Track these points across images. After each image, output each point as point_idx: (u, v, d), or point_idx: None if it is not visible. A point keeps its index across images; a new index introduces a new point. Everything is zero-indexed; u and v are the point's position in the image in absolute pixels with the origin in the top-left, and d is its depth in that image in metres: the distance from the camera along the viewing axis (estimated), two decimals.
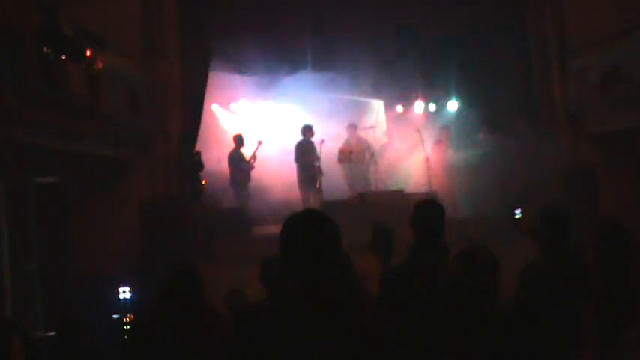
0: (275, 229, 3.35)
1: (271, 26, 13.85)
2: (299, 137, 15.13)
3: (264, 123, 16.73)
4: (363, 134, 15.88)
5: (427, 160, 14.30)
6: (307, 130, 14.95)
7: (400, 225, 6.66)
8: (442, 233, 4.99)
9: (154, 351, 4.81)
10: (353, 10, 13.71)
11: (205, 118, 14.34)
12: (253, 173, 15.05)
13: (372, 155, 15.08)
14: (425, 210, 5.08)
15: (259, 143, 15.27)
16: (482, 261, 3.88)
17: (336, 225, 3.12)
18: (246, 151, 15.11)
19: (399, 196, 13.37)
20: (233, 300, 6.33)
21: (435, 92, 16.44)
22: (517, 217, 8.24)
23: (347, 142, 15.30)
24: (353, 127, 15.54)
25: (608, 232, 5.63)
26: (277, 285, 5.09)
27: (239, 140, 15.07)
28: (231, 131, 15.82)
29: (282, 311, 3.07)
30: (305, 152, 14.84)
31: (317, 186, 14.53)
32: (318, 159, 14.77)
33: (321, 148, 14.81)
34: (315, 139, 14.97)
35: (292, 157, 15.02)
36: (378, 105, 17.70)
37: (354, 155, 14.84)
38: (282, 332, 2.96)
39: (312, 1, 13.53)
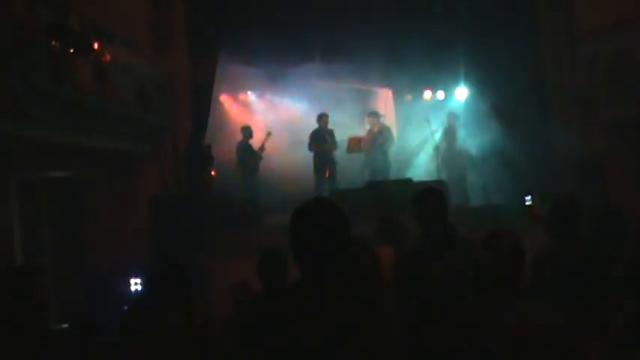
0: (285, 220, 3.34)
1: (279, 17, 13.82)
2: (306, 127, 15.17)
3: (273, 114, 16.74)
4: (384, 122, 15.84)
5: (437, 148, 14.27)
6: (320, 118, 14.95)
7: (409, 213, 6.65)
8: (445, 219, 5.00)
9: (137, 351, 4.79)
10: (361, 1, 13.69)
11: (214, 110, 14.34)
12: (262, 164, 15.03)
13: (384, 143, 15.00)
14: (424, 198, 5.10)
15: (268, 134, 15.20)
16: (508, 244, 3.89)
17: (345, 214, 3.13)
18: (255, 142, 15.08)
19: (408, 184, 13.34)
20: (239, 293, 6.34)
21: (444, 80, 16.39)
22: (527, 203, 8.27)
23: (370, 131, 15.22)
24: (375, 116, 15.45)
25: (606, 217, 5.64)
26: (275, 279, 5.11)
27: (247, 131, 15.03)
28: (239, 122, 15.82)
29: (288, 302, 3.09)
30: (318, 140, 14.87)
31: (327, 175, 14.52)
32: (331, 147, 14.79)
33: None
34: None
35: (302, 147, 15.08)
36: (386, 94, 17.67)
37: (363, 144, 14.80)
38: (287, 324, 2.97)
39: None
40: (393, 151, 15.42)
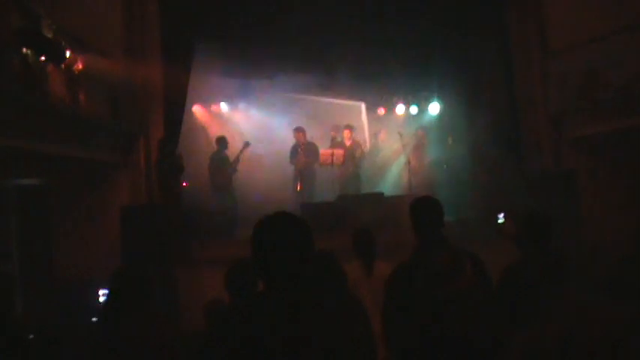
0: None
1: (253, 28, 13.80)
2: (279, 139, 15.24)
3: (246, 125, 16.70)
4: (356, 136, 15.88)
5: (408, 162, 14.30)
6: (295, 132, 15.06)
7: (380, 227, 6.63)
8: (440, 228, 4.99)
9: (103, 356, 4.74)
10: (334, 13, 13.68)
11: (186, 120, 14.27)
12: (236, 175, 14.91)
13: (361, 157, 15.09)
14: (420, 207, 5.08)
15: (246, 145, 15.01)
16: (457, 264, 3.86)
17: (307, 227, 3.18)
18: (229, 154, 14.97)
19: (379, 198, 13.36)
20: (212, 310, 6.28)
21: (417, 94, 16.47)
22: (500, 221, 8.31)
23: (342, 145, 15.24)
24: (349, 129, 15.50)
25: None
26: (242, 289, 5.08)
27: (222, 142, 14.90)
28: (212, 133, 15.75)
29: (251, 313, 3.09)
30: (292, 155, 14.95)
31: (297, 188, 14.52)
32: (305, 161, 14.82)
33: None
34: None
35: (275, 158, 15.16)
36: (359, 107, 17.72)
37: (335, 158, 14.80)
38: (251, 334, 2.97)
39: (294, 5, 13.49)
40: (364, 164, 15.47)
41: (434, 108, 16.35)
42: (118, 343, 4.61)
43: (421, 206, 5.09)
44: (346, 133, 15.36)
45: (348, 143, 15.21)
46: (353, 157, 15.01)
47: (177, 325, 5.15)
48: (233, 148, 14.99)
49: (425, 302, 4.42)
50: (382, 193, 13.88)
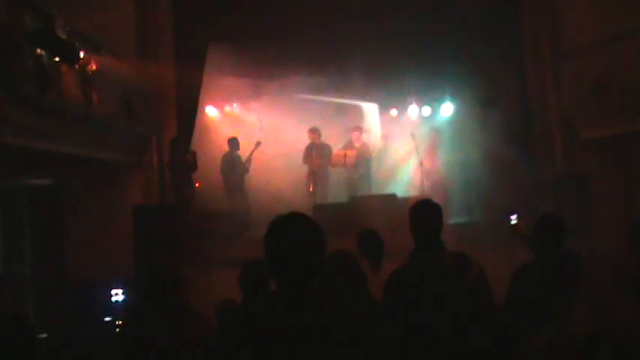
0: None
1: (265, 29, 13.81)
2: (291, 140, 15.22)
3: (257, 126, 16.69)
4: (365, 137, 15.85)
5: (421, 164, 14.26)
6: (310, 133, 15.07)
7: (392, 229, 6.61)
8: (438, 233, 4.98)
9: (134, 354, 4.74)
10: (347, 14, 13.68)
11: (199, 120, 14.26)
12: (249, 176, 14.90)
13: (367, 158, 15.05)
14: (419, 210, 5.08)
15: (257, 144, 14.93)
16: (464, 264, 3.85)
17: (319, 227, 3.18)
18: (242, 154, 14.95)
19: (392, 200, 13.30)
20: (223, 310, 6.28)
21: (430, 96, 16.42)
22: (513, 222, 8.29)
23: (353, 146, 15.22)
24: (358, 130, 15.48)
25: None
26: (256, 289, 5.09)
27: (234, 143, 14.89)
28: (225, 133, 15.73)
29: (263, 313, 3.11)
30: (306, 155, 14.97)
31: (310, 189, 14.50)
32: (317, 162, 14.82)
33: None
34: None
35: (288, 159, 15.15)
36: (372, 109, 17.67)
37: (348, 159, 14.77)
38: (263, 335, 2.99)
39: (306, 6, 13.50)
40: (375, 166, 15.43)
41: (446, 109, 16.29)
42: (150, 342, 4.60)
43: (420, 210, 5.09)
44: (355, 134, 15.34)
45: (357, 145, 15.18)
46: (362, 158, 14.97)
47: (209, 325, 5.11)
48: (245, 150, 14.96)
49: (426, 303, 4.43)
50: (395, 195, 13.82)
